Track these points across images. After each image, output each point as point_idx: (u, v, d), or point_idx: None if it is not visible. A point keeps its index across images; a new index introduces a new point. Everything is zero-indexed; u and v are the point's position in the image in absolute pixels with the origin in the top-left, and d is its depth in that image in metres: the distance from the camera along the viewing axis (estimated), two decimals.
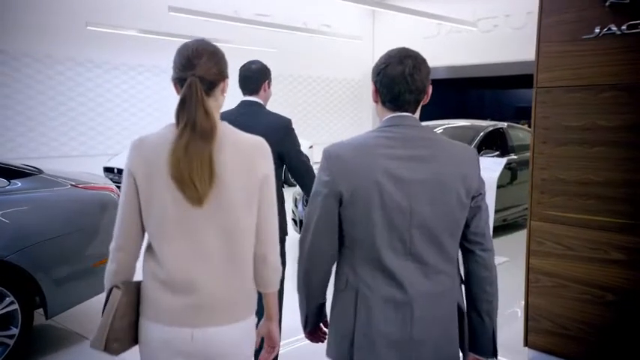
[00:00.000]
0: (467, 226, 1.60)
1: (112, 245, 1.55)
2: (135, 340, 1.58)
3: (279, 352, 2.25)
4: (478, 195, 1.59)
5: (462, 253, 1.66)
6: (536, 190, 3.29)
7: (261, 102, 2.79)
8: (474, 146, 6.40)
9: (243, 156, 1.52)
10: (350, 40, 14.09)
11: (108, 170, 9.77)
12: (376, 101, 1.64)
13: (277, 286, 1.65)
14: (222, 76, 1.54)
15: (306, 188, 2.72)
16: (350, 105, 16.86)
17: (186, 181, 1.43)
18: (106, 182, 4.00)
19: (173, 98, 1.51)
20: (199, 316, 1.50)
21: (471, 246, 1.63)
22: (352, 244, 1.58)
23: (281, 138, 2.63)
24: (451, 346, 1.61)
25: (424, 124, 1.62)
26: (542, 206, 3.24)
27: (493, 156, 6.06)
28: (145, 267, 1.56)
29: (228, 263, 1.52)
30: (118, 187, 8.26)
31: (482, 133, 6.65)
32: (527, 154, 7.54)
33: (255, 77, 2.78)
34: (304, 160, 2.77)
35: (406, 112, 1.58)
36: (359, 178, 1.51)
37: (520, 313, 3.64)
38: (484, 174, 4.24)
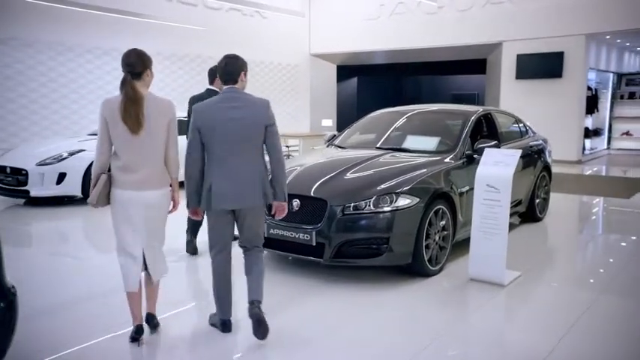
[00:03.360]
0: (266, 139, 3.38)
1: (96, 153, 3.19)
2: (109, 201, 3.25)
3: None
4: (270, 125, 3.36)
5: (266, 149, 3.42)
6: None
7: (217, 89, 5.07)
8: (467, 134, 5.35)
9: (159, 109, 3.24)
10: (287, 16, 12.68)
11: None
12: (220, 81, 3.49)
13: (177, 174, 3.39)
14: (145, 68, 3.22)
15: None
16: (287, 93, 15.51)
17: (126, 122, 3.11)
18: None
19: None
20: (141, 185, 3.20)
21: (267, 147, 3.41)
22: (209, 153, 3.33)
23: None
24: (259, 198, 3.38)
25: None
26: None
27: (491, 145, 4.98)
28: (112, 163, 3.22)
29: (153, 160, 3.24)
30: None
31: (472, 119, 5.56)
32: (516, 143, 6.65)
33: (210, 75, 5.32)
34: None
35: (232, 84, 3.37)
36: (209, 121, 3.28)
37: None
38: (498, 169, 4.41)
